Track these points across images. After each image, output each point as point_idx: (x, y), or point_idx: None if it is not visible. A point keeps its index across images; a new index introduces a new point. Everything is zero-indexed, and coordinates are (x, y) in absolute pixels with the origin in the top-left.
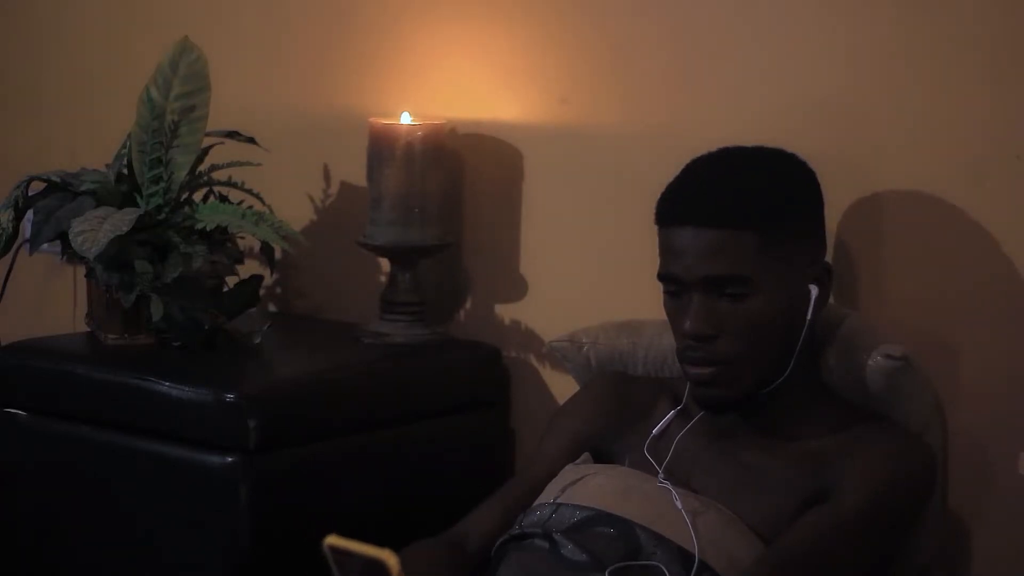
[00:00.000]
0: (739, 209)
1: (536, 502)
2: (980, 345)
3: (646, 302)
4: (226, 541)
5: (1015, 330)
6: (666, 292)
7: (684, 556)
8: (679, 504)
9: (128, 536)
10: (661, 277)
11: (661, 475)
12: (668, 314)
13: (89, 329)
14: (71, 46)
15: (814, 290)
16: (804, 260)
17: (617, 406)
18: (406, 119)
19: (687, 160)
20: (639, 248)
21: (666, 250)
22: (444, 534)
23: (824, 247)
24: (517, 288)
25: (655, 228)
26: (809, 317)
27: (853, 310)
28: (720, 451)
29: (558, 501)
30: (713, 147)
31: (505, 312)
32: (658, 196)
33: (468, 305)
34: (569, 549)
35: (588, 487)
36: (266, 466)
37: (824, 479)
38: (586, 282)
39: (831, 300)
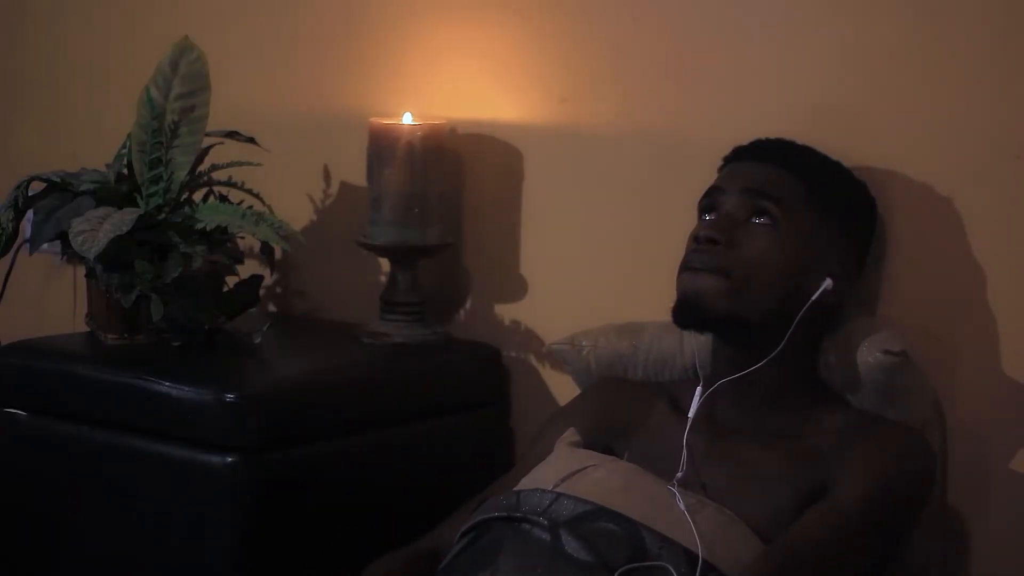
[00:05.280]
0: (801, 162)
1: (533, 484)
2: (980, 345)
3: (646, 302)
4: (226, 541)
5: (1015, 330)
6: (699, 220)
7: (689, 556)
8: (680, 503)
9: (128, 536)
10: (700, 202)
11: (675, 479)
12: (687, 245)
13: (89, 329)
14: (72, 46)
15: (828, 281)
16: (833, 250)
17: (611, 412)
18: (407, 119)
19: (687, 160)
20: (639, 248)
21: (715, 180)
22: (419, 542)
23: (854, 272)
24: (517, 288)
25: (656, 228)
26: (813, 297)
27: (864, 315)
28: (720, 450)
29: (558, 491)
30: (714, 147)
31: (505, 312)
32: (657, 196)
33: (468, 305)
34: (573, 547)
35: (588, 480)
36: (266, 466)
37: (824, 476)
38: (586, 282)
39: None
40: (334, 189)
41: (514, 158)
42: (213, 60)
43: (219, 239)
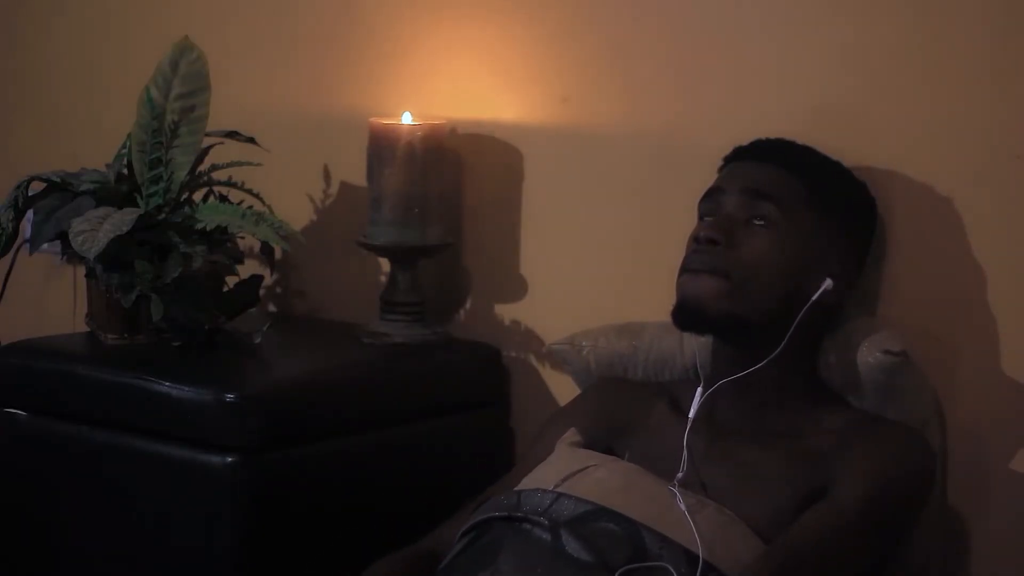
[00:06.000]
0: (801, 162)
1: (534, 484)
2: (980, 345)
3: (646, 302)
4: (226, 541)
5: (1015, 330)
6: (699, 221)
7: (689, 557)
8: (681, 503)
9: (128, 536)
10: (700, 202)
11: (676, 479)
12: (688, 246)
13: (89, 329)
14: (71, 46)
15: (828, 282)
16: (833, 251)
17: (611, 412)
18: (407, 119)
19: (687, 160)
20: (639, 248)
21: (715, 181)
22: (419, 542)
23: (854, 272)
24: (517, 288)
25: (656, 228)
26: (813, 298)
27: (864, 315)
28: (720, 450)
29: (559, 491)
30: (714, 147)
31: (505, 312)
32: (657, 196)
33: (468, 305)
34: (574, 547)
35: (589, 480)
36: (266, 466)
37: (824, 477)
38: (586, 282)
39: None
40: (334, 189)
41: (514, 158)
42: (213, 60)
43: (219, 239)
